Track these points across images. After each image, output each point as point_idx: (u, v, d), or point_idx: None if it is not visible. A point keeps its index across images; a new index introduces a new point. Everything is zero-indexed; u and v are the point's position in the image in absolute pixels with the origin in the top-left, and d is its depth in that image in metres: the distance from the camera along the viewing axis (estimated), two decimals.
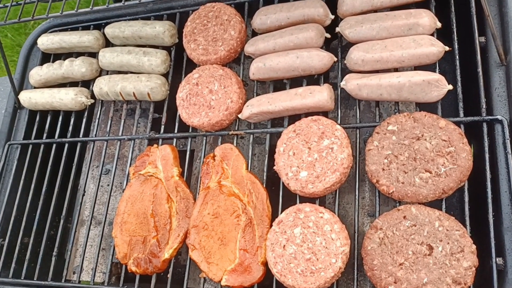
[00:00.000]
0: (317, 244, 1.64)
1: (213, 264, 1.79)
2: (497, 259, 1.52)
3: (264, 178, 1.90)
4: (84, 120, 2.33)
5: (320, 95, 1.81)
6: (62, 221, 2.19)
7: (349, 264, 1.71)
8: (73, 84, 2.39)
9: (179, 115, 2.09)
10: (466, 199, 1.60)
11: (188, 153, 2.07)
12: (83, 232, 2.28)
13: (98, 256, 2.04)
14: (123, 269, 2.03)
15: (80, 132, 2.33)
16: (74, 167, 2.25)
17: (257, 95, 2.02)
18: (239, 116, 1.97)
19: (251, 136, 1.98)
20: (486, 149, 1.63)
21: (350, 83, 1.80)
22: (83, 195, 2.23)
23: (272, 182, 1.94)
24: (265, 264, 1.73)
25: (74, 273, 2.21)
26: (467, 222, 1.57)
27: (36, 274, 2.10)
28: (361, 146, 1.85)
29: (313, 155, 1.75)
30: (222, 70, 2.03)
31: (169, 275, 1.88)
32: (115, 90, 2.18)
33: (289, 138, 1.82)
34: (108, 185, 2.28)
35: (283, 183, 1.83)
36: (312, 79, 1.96)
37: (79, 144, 2.31)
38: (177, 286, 1.89)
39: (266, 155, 1.95)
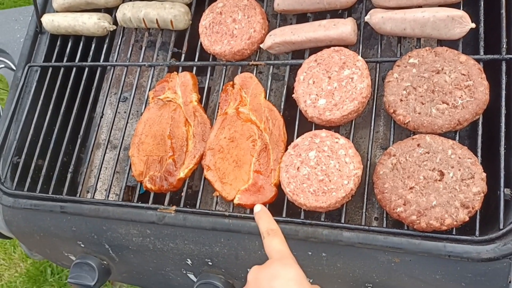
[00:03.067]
0: (331, 167, 1.69)
1: (227, 184, 1.84)
2: (505, 190, 1.57)
3: (281, 109, 1.94)
4: (105, 46, 2.35)
5: (344, 27, 1.83)
6: (78, 144, 2.22)
7: (359, 193, 1.76)
8: (96, 11, 2.40)
9: (201, 43, 2.11)
10: (480, 131, 1.64)
11: (206, 86, 2.09)
12: (98, 154, 2.32)
13: (112, 178, 2.09)
14: (136, 195, 2.08)
15: (100, 59, 2.35)
16: (93, 90, 2.28)
17: None
18: (261, 46, 1.99)
19: (270, 69, 2.01)
20: (503, 86, 1.66)
21: (375, 16, 1.82)
22: (101, 117, 2.27)
23: (288, 122, 1.97)
24: (278, 186, 1.79)
25: (87, 192, 2.26)
26: (479, 153, 1.62)
27: (51, 190, 2.15)
28: (380, 83, 1.88)
29: (333, 84, 1.78)
30: (246, 0, 2.05)
31: (183, 194, 1.94)
32: (138, 17, 2.19)
33: (310, 67, 1.85)
34: (125, 112, 2.32)
35: (300, 111, 1.87)
36: (336, 15, 1.98)
37: (99, 69, 2.34)
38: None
39: (285, 87, 1.98)
